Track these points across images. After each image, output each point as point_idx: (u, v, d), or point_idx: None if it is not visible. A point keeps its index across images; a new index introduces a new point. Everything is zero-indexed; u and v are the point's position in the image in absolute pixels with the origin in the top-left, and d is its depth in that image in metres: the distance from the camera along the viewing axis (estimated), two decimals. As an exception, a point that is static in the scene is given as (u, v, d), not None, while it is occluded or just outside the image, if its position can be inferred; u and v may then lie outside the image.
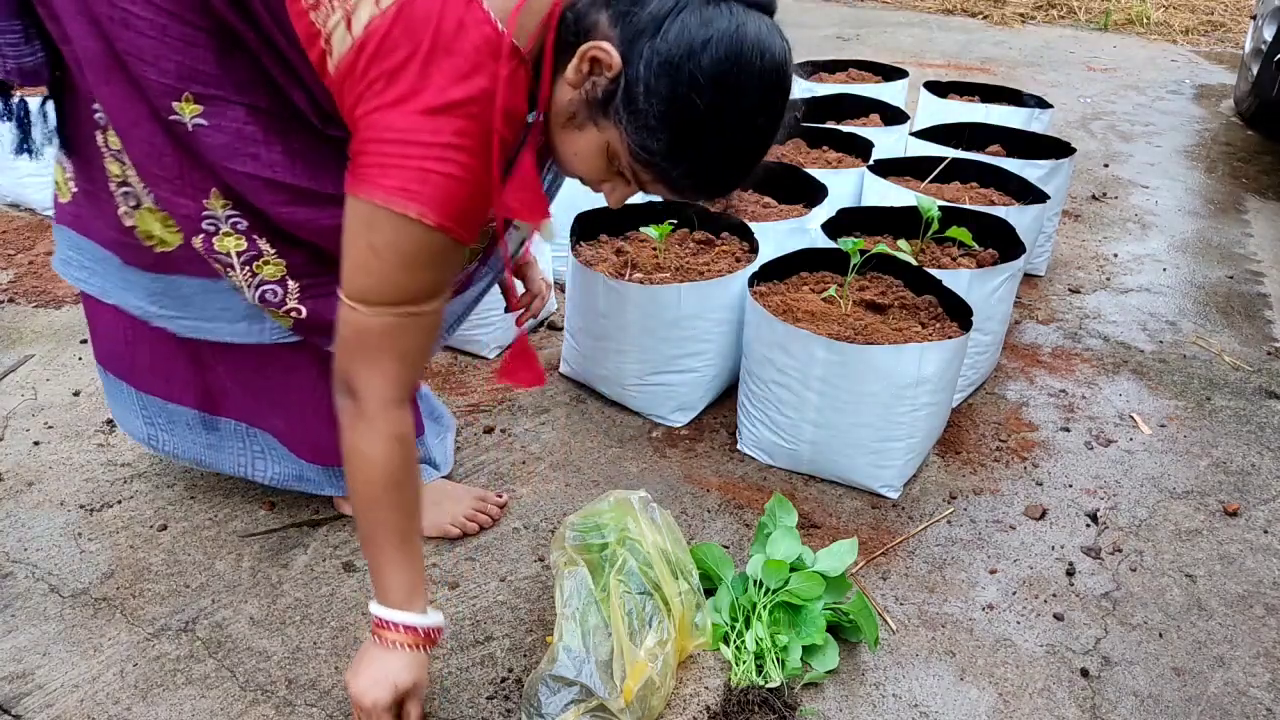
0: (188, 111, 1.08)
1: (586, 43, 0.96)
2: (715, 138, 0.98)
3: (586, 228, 2.02)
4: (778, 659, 1.33)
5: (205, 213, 1.16)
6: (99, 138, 1.20)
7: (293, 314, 1.25)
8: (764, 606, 1.37)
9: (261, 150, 1.12)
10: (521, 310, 1.53)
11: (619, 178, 1.08)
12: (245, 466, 1.51)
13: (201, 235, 1.18)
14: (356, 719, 1.14)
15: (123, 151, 1.18)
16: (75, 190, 1.30)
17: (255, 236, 1.19)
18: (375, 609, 1.13)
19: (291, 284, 1.23)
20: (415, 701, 1.14)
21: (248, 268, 1.21)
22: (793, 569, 1.41)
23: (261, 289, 1.23)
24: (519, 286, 1.57)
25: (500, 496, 1.64)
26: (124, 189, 1.22)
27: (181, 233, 1.22)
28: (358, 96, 0.98)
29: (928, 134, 2.66)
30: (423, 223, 0.96)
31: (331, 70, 1.00)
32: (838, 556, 1.43)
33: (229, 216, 1.17)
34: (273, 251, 1.20)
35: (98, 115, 1.18)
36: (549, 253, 2.21)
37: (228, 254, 1.19)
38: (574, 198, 2.21)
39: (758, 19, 0.96)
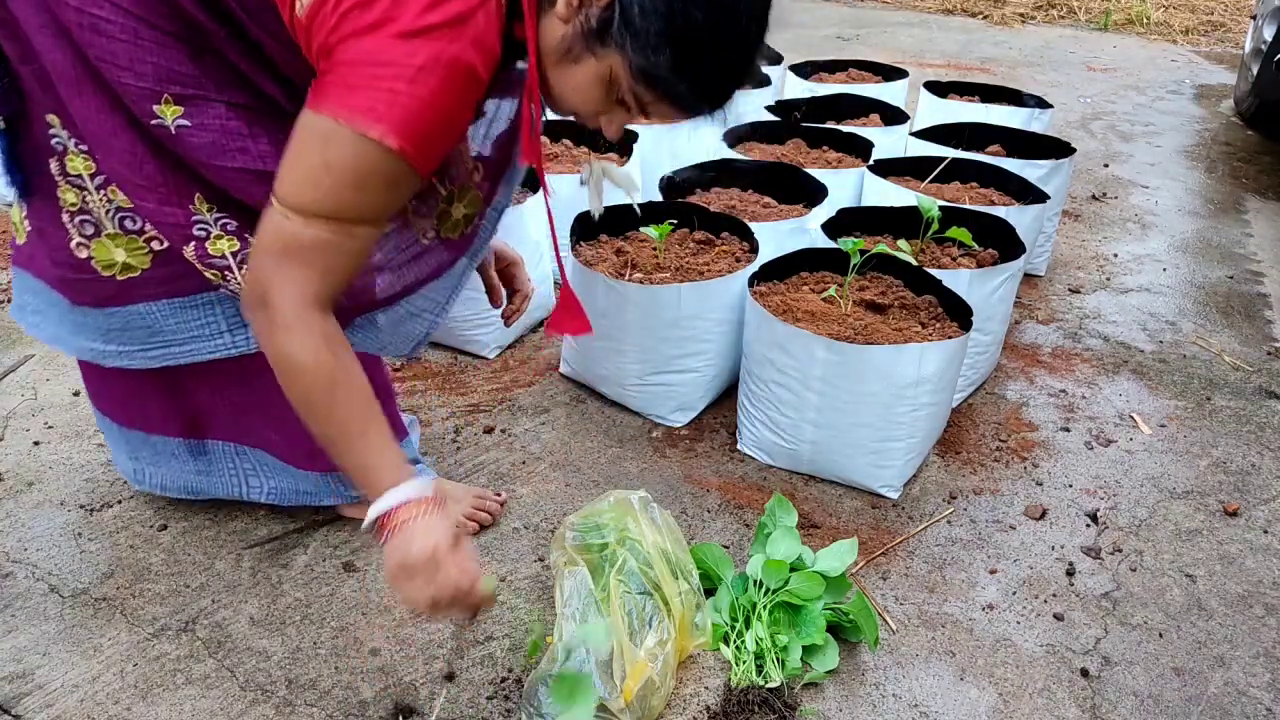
0: (169, 114, 1.07)
1: None
2: (713, 46, 0.98)
3: (586, 228, 2.02)
4: (778, 659, 1.33)
5: (195, 218, 1.15)
6: (53, 165, 1.17)
7: None
8: (764, 606, 1.37)
9: (249, 144, 1.11)
10: (513, 311, 1.53)
11: (618, 107, 1.06)
12: (239, 486, 1.52)
13: (193, 243, 1.16)
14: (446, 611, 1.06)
15: (84, 176, 1.16)
16: (29, 229, 1.27)
17: (247, 235, 1.17)
18: (376, 507, 1.04)
19: None
20: (462, 552, 1.05)
21: (244, 267, 1.18)
22: (793, 569, 1.41)
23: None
24: (503, 293, 1.56)
25: (499, 495, 1.64)
26: (81, 217, 1.19)
27: (161, 249, 1.20)
28: (330, 28, 0.95)
29: (928, 134, 2.66)
30: (383, 144, 0.94)
31: (299, 11, 0.97)
32: (838, 556, 1.43)
33: (218, 219, 1.16)
34: None
35: (54, 140, 1.15)
36: (548, 253, 2.21)
37: (222, 256, 1.17)
38: (574, 197, 2.21)
39: None
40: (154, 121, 1.07)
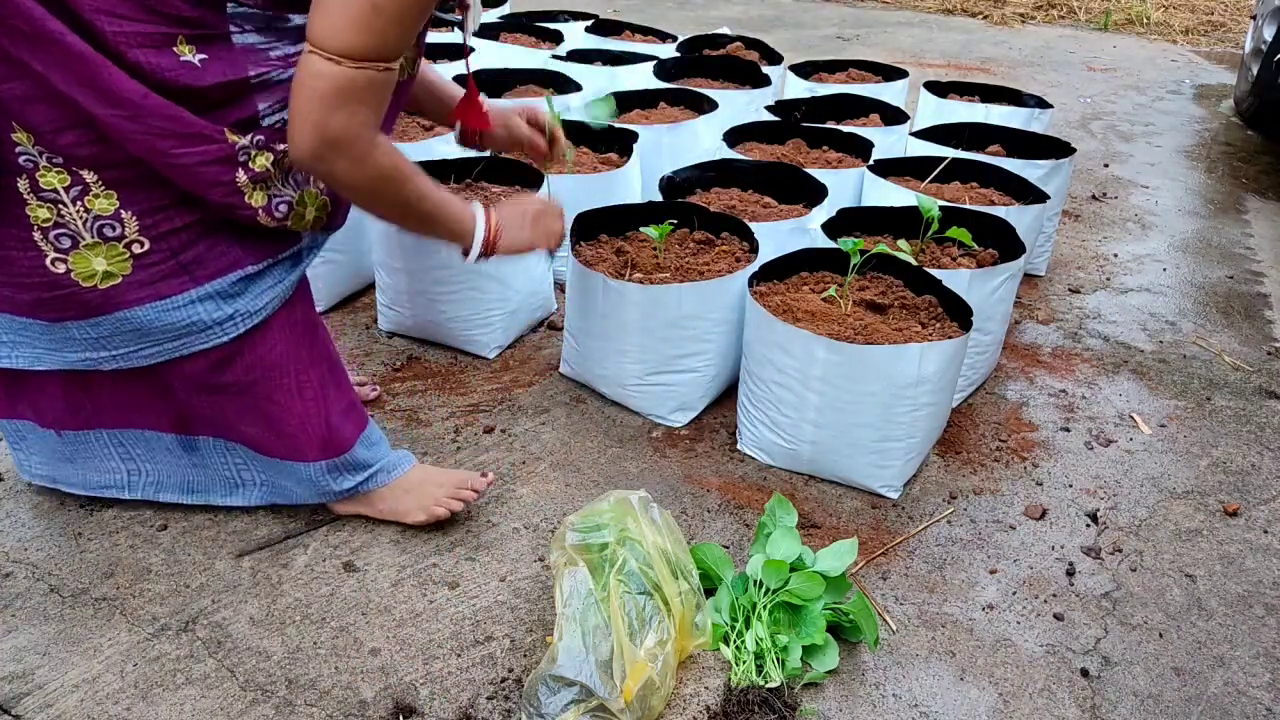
0: (189, 51, 1.17)
1: None
2: None
3: (586, 228, 2.02)
4: (778, 659, 1.33)
5: (237, 145, 1.22)
6: (21, 184, 1.19)
7: (318, 187, 1.36)
8: (764, 606, 1.37)
9: (260, 60, 1.22)
10: (559, 150, 1.84)
11: None
12: (232, 478, 1.54)
13: (240, 169, 1.24)
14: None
15: (59, 190, 1.18)
16: None
17: (273, 144, 1.26)
18: (479, 236, 1.42)
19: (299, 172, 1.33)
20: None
21: (280, 171, 1.28)
22: (793, 569, 1.41)
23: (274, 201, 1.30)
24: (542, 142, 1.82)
25: (484, 475, 1.62)
26: (56, 231, 1.21)
27: (141, 252, 1.25)
28: None
29: (928, 134, 2.66)
30: None
31: None
32: (838, 556, 1.43)
33: (254, 138, 1.24)
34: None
35: (24, 159, 1.17)
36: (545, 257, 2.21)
37: (265, 169, 1.26)
38: (574, 198, 2.21)
39: None
40: (183, 59, 1.16)
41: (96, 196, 1.20)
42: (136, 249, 1.24)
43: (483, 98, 1.67)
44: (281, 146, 1.26)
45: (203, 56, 1.17)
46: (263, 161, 1.25)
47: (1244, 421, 2.04)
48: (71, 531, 1.56)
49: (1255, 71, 3.85)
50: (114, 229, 1.22)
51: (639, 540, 1.32)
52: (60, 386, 1.43)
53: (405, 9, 1.10)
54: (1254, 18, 4.08)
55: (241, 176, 1.24)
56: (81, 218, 1.21)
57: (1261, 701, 1.36)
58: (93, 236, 1.22)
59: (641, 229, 1.99)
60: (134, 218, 1.23)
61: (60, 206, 1.20)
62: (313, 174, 1.28)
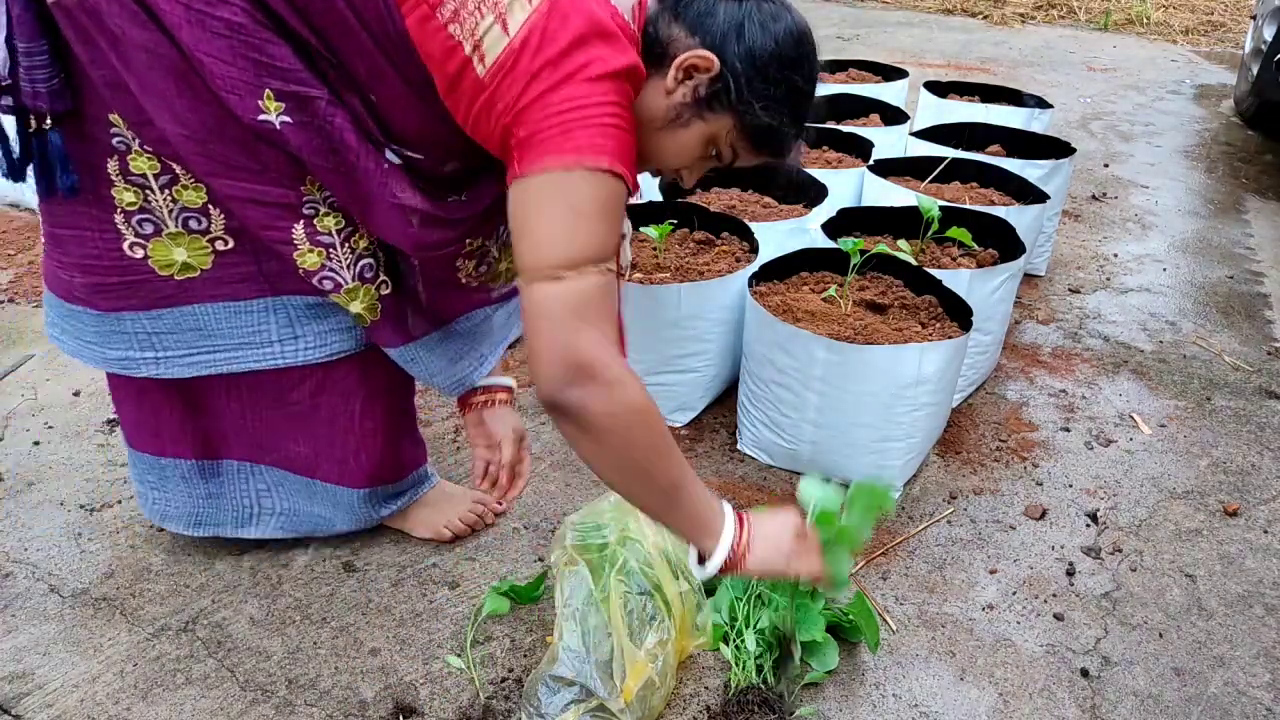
0: (273, 109, 1.08)
1: (681, 54, 1.08)
2: (808, 102, 1.22)
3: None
4: (777, 660, 1.33)
5: (305, 197, 1.17)
6: (111, 165, 1.16)
7: (373, 291, 1.27)
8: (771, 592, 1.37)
9: (348, 137, 1.12)
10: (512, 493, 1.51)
11: (703, 161, 1.21)
12: (250, 506, 1.48)
13: (302, 221, 1.18)
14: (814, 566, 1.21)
15: (148, 176, 1.15)
16: (45, 241, 1.26)
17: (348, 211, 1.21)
18: (724, 544, 1.14)
19: (382, 255, 1.26)
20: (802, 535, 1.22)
21: (348, 244, 1.22)
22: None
23: (360, 263, 1.24)
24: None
25: (499, 504, 1.62)
26: (140, 216, 1.18)
27: (225, 249, 1.21)
28: (521, 89, 1.02)
29: (928, 134, 2.66)
30: (613, 172, 1.02)
31: (483, 74, 1.04)
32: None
33: (325, 197, 1.19)
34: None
35: (117, 140, 1.14)
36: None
37: (329, 233, 1.20)
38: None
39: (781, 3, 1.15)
40: (260, 117, 1.07)
41: (185, 188, 1.17)
42: (220, 245, 1.22)
43: None
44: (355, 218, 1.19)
45: (286, 120, 1.08)
46: (329, 223, 1.19)
47: (1244, 421, 2.04)
48: (71, 531, 1.56)
49: (1255, 71, 3.85)
50: (200, 222, 1.20)
51: (639, 540, 1.32)
52: (117, 392, 1.40)
53: (604, 207, 1.02)
54: (1254, 18, 4.08)
55: (299, 230, 1.18)
56: (168, 206, 1.18)
57: (1261, 701, 1.36)
58: (177, 226, 1.19)
59: (641, 229, 1.99)
60: (221, 215, 1.20)
61: (148, 192, 1.17)
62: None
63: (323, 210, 1.19)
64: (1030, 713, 1.32)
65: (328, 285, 1.23)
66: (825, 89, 3.03)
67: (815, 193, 2.20)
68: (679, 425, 1.90)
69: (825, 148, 2.59)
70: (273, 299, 1.26)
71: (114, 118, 1.13)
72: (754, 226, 1.98)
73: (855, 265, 1.79)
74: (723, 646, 1.36)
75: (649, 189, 2.48)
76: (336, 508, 1.48)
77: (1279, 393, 2.15)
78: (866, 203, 2.29)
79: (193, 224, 1.20)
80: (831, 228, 2.01)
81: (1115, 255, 2.86)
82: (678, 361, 1.83)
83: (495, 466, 1.48)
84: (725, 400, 1.98)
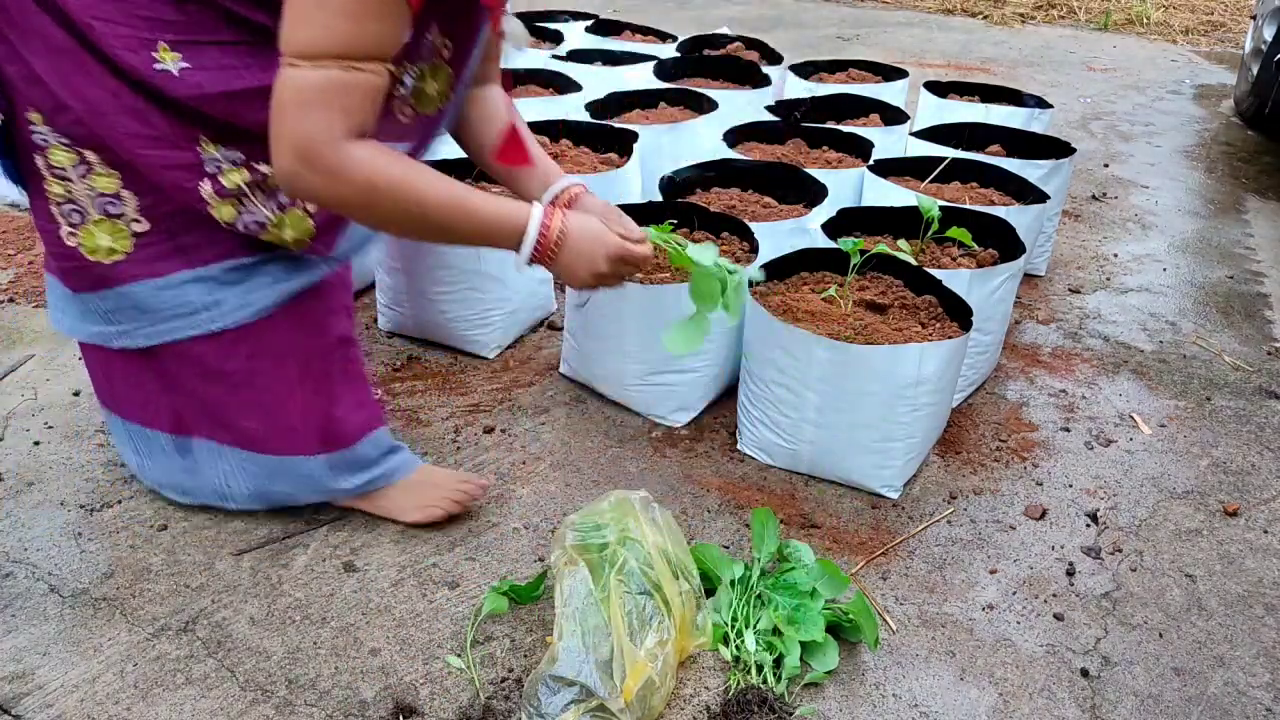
0: (169, 59, 1.14)
1: None
2: None
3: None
4: (777, 660, 1.33)
5: (204, 156, 1.22)
6: (38, 161, 1.25)
7: (307, 211, 1.30)
8: (767, 588, 1.37)
9: (245, 73, 1.18)
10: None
11: None
12: (221, 486, 1.54)
13: (208, 179, 1.23)
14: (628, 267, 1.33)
15: (66, 168, 1.23)
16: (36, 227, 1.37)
17: (254, 164, 1.24)
18: (527, 240, 1.23)
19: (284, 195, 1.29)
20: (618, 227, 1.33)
21: (259, 189, 1.25)
22: (784, 557, 1.45)
23: (278, 197, 1.27)
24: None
25: (483, 481, 1.64)
26: (68, 206, 1.28)
27: (141, 230, 1.28)
28: None
29: (928, 134, 2.66)
30: None
31: None
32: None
33: (226, 154, 1.23)
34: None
35: (37, 136, 1.23)
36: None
37: (237, 187, 1.24)
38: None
39: None
40: (158, 68, 1.14)
41: (99, 175, 1.25)
42: (137, 228, 1.29)
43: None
44: (263, 168, 1.24)
45: (185, 65, 1.14)
46: (236, 179, 1.23)
47: (1244, 421, 2.04)
48: (71, 531, 1.56)
49: (1255, 71, 3.85)
50: (115, 206, 1.27)
51: (639, 540, 1.32)
52: (91, 359, 1.48)
53: (353, 3, 1.03)
54: (1254, 18, 4.07)
55: (206, 188, 1.23)
56: (88, 195, 1.26)
57: (1261, 701, 1.36)
58: (98, 213, 1.27)
59: (641, 229, 1.98)
60: (134, 197, 1.27)
61: (69, 184, 1.26)
62: (294, 195, 1.19)
63: (226, 167, 1.23)
64: (1030, 713, 1.32)
65: (254, 228, 1.28)
66: (825, 89, 3.04)
67: (815, 193, 2.20)
68: (679, 425, 1.90)
69: (825, 148, 2.59)
70: (189, 271, 1.32)
71: (32, 115, 1.21)
72: (754, 226, 1.97)
73: (855, 265, 1.79)
74: (722, 647, 1.36)
75: (649, 189, 2.48)
76: (298, 482, 1.51)
77: (1279, 393, 2.15)
78: (866, 203, 2.29)
79: (110, 209, 1.28)
80: (831, 228, 2.01)
81: (1115, 255, 2.86)
82: (678, 361, 1.83)
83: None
84: (725, 400, 1.98)
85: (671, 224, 1.96)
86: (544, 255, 1.27)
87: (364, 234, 1.45)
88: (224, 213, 1.26)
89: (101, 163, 1.24)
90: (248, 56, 1.17)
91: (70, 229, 1.29)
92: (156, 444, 1.52)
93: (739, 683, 1.30)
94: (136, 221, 1.28)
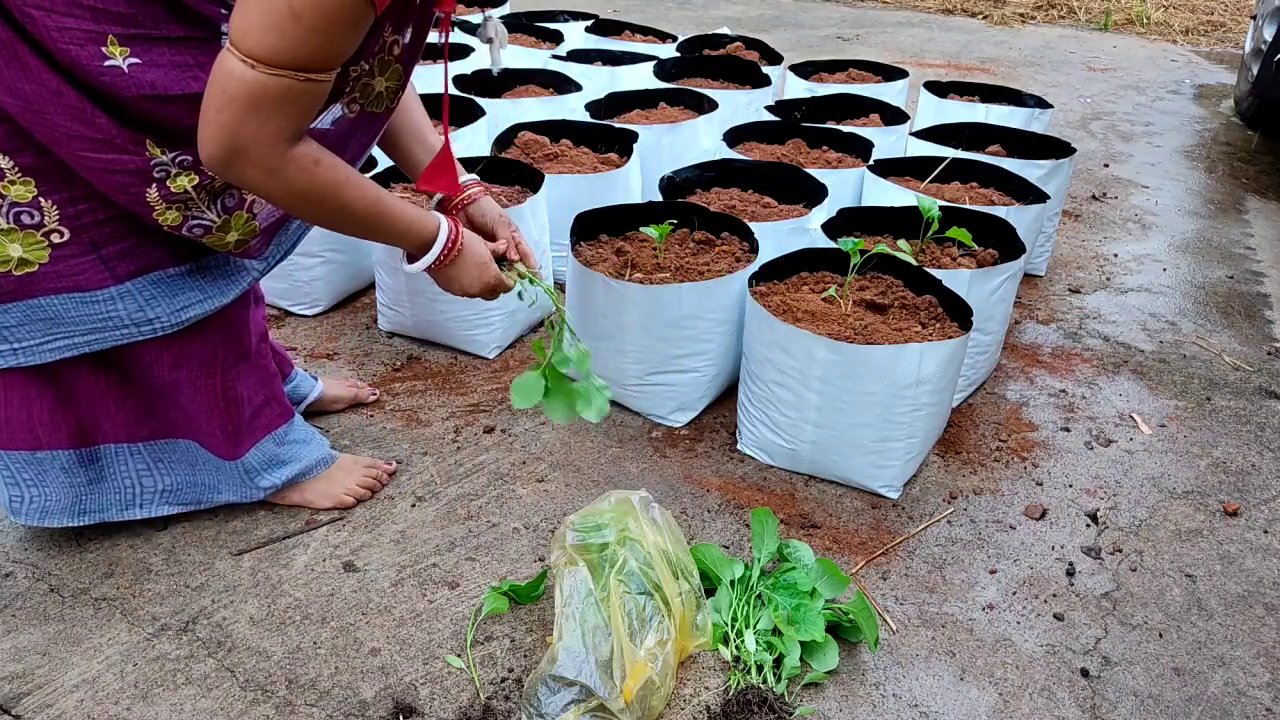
0: (118, 54, 1.09)
1: None
2: None
3: (586, 228, 2.02)
4: (776, 660, 1.33)
5: (153, 161, 1.17)
6: None
7: (252, 213, 1.28)
8: (767, 588, 1.37)
9: (199, 72, 1.13)
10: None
11: None
12: (132, 487, 1.49)
13: (154, 184, 1.18)
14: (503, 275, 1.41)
15: None
16: None
17: (201, 168, 1.19)
18: (438, 245, 1.31)
19: (232, 199, 1.26)
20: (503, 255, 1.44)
21: (204, 191, 1.22)
22: (783, 557, 1.43)
23: (221, 199, 1.25)
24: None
25: (390, 464, 1.70)
26: None
27: (61, 242, 1.21)
28: None
29: (928, 134, 2.66)
30: None
31: None
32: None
33: (174, 157, 1.18)
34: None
35: None
36: (549, 253, 2.21)
37: (185, 191, 1.20)
38: (574, 198, 2.21)
39: None
40: (107, 63, 1.08)
41: (12, 183, 1.16)
42: (56, 238, 1.21)
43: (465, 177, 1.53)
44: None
45: (134, 61, 1.10)
46: (183, 183, 1.20)
47: (1244, 421, 2.04)
48: (71, 531, 1.56)
49: (1255, 71, 3.84)
50: (32, 216, 1.19)
51: (639, 540, 1.32)
52: None
53: (328, 18, 1.00)
54: (1254, 18, 4.07)
55: (153, 193, 1.19)
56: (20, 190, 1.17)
57: (1261, 701, 1.36)
58: (9, 223, 1.18)
59: (641, 229, 1.99)
60: (54, 206, 1.19)
61: None
62: (222, 178, 1.15)
63: (174, 172, 1.18)
64: (1030, 713, 1.32)
65: (198, 232, 1.25)
66: (825, 89, 3.04)
67: (815, 193, 2.20)
68: (679, 425, 1.90)
69: (825, 148, 2.59)
70: (116, 287, 1.26)
71: None
72: (754, 226, 1.98)
73: (855, 265, 1.79)
74: (722, 647, 1.36)
75: (649, 189, 2.48)
76: (220, 475, 1.53)
77: (1279, 393, 2.15)
78: (866, 203, 2.29)
79: (25, 219, 1.19)
80: (831, 228, 2.01)
81: (1115, 255, 2.86)
82: (678, 361, 1.83)
83: (508, 247, 1.48)
84: (725, 400, 1.98)
85: (672, 224, 1.97)
86: (437, 267, 1.35)
87: (296, 238, 1.46)
88: (169, 218, 1.21)
89: (15, 169, 1.16)
90: (200, 54, 1.14)
91: None
92: (52, 466, 1.42)
93: (739, 683, 1.30)
94: (56, 232, 1.20)
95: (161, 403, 1.43)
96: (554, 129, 2.53)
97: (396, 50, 1.23)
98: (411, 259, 1.35)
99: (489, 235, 1.49)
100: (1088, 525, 1.70)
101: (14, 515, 1.45)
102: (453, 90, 1.59)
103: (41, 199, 1.18)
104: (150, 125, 1.15)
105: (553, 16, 3.87)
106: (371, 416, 1.89)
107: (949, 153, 2.43)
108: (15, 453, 1.40)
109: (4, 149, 1.15)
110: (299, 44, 1.01)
